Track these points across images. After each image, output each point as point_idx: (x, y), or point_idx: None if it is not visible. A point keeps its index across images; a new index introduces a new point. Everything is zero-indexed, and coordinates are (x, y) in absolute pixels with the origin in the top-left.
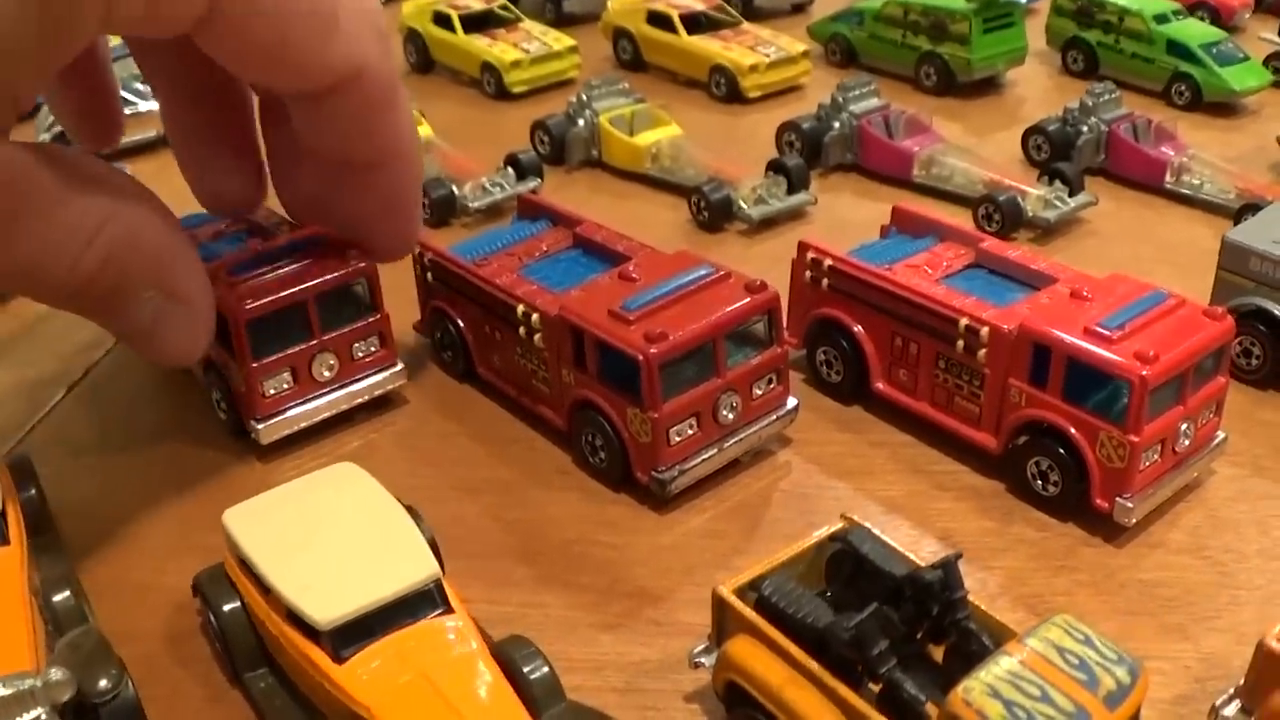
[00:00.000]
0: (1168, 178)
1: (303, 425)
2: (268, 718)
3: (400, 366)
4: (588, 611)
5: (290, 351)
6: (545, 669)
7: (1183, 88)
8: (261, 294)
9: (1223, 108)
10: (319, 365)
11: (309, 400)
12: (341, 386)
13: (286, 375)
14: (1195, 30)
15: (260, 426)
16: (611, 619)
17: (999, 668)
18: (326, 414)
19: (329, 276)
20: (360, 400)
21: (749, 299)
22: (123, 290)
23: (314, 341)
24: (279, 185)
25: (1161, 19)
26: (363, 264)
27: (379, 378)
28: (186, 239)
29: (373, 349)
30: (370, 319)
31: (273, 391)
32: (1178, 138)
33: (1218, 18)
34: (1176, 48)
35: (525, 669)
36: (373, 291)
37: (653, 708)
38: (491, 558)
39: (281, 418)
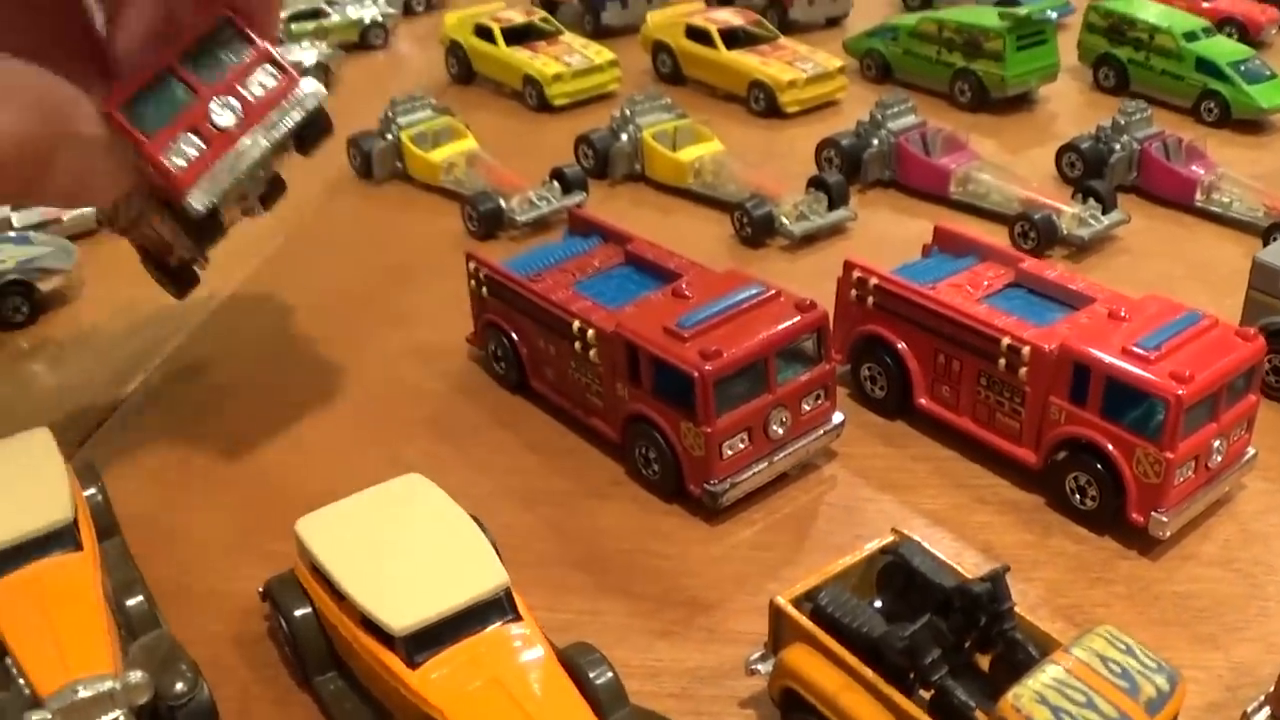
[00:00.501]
0: (1198, 196)
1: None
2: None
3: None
4: (643, 619)
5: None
6: (610, 674)
7: (1211, 105)
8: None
9: (1251, 124)
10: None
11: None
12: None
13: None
14: (1224, 48)
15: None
16: (666, 626)
17: (1046, 675)
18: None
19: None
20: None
21: (799, 317)
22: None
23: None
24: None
25: (1191, 36)
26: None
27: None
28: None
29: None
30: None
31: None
32: (1208, 156)
33: (1245, 33)
34: (1205, 65)
35: (591, 674)
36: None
37: (709, 713)
38: (549, 566)
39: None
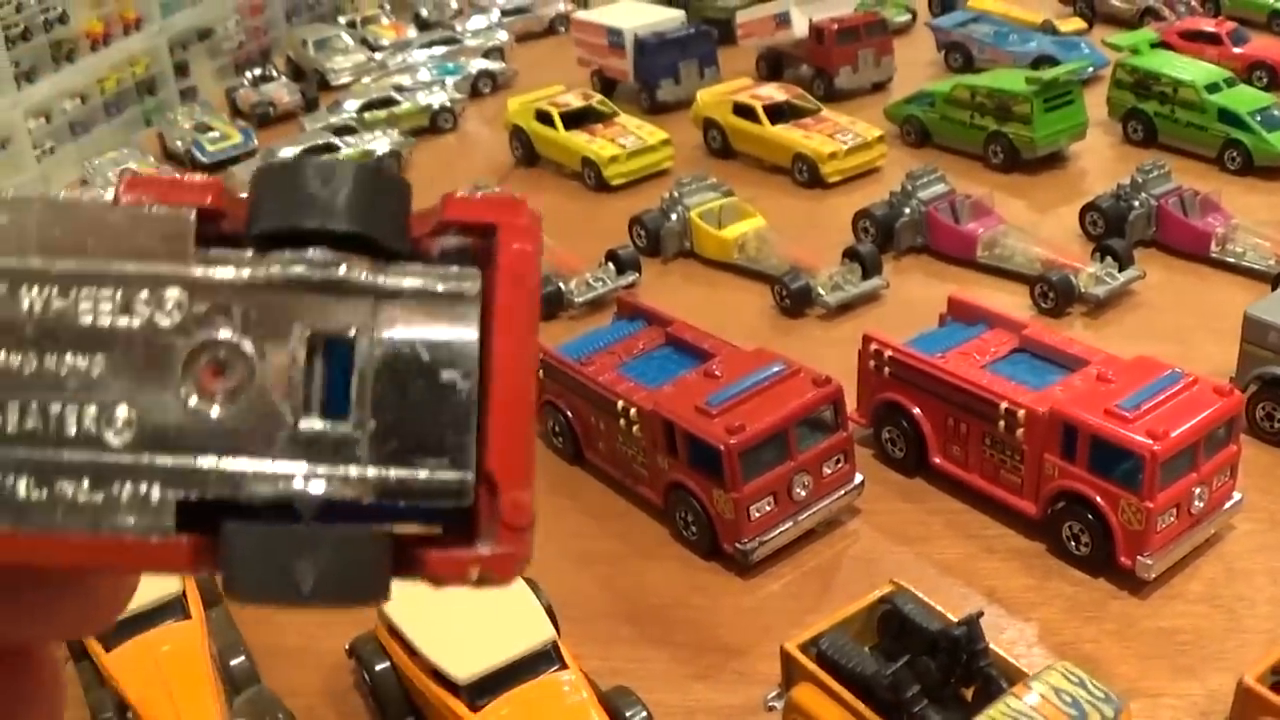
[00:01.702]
0: (1213, 247)
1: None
2: None
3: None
4: (682, 664)
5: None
6: (644, 714)
7: (1234, 154)
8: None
9: (1274, 171)
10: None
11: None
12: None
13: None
14: (1245, 97)
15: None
16: (702, 670)
17: (1006, 706)
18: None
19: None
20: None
21: (815, 392)
22: None
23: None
24: None
25: (1213, 88)
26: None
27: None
28: None
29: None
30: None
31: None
32: (1222, 208)
33: (1275, 76)
34: (1227, 116)
35: (628, 714)
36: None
37: None
38: (601, 619)
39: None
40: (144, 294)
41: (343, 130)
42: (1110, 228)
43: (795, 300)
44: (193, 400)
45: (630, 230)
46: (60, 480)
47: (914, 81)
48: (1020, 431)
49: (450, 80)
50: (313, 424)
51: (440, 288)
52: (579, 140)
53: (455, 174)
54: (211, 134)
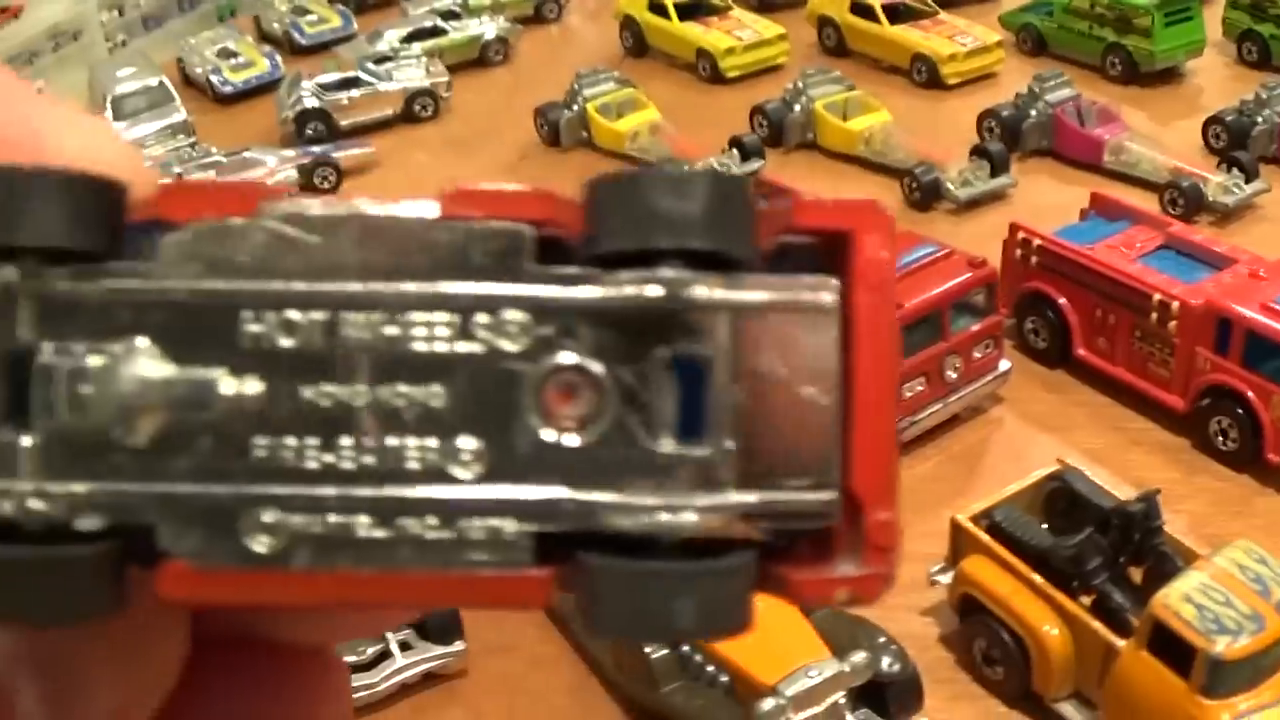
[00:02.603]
0: None
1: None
2: None
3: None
4: None
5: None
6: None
7: None
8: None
9: None
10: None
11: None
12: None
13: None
14: None
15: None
16: None
17: (1191, 580)
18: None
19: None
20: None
21: (971, 273)
22: None
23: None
24: None
25: None
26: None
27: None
28: None
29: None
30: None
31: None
32: None
33: None
34: None
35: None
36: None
37: (896, 619)
38: None
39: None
40: (483, 318)
41: (447, 15)
42: (1233, 142)
43: (925, 193)
44: (543, 429)
45: (751, 120)
46: (403, 518)
47: None
48: (1173, 324)
49: None
50: (671, 449)
51: (796, 300)
52: (694, 31)
53: (562, 62)
54: (309, 16)
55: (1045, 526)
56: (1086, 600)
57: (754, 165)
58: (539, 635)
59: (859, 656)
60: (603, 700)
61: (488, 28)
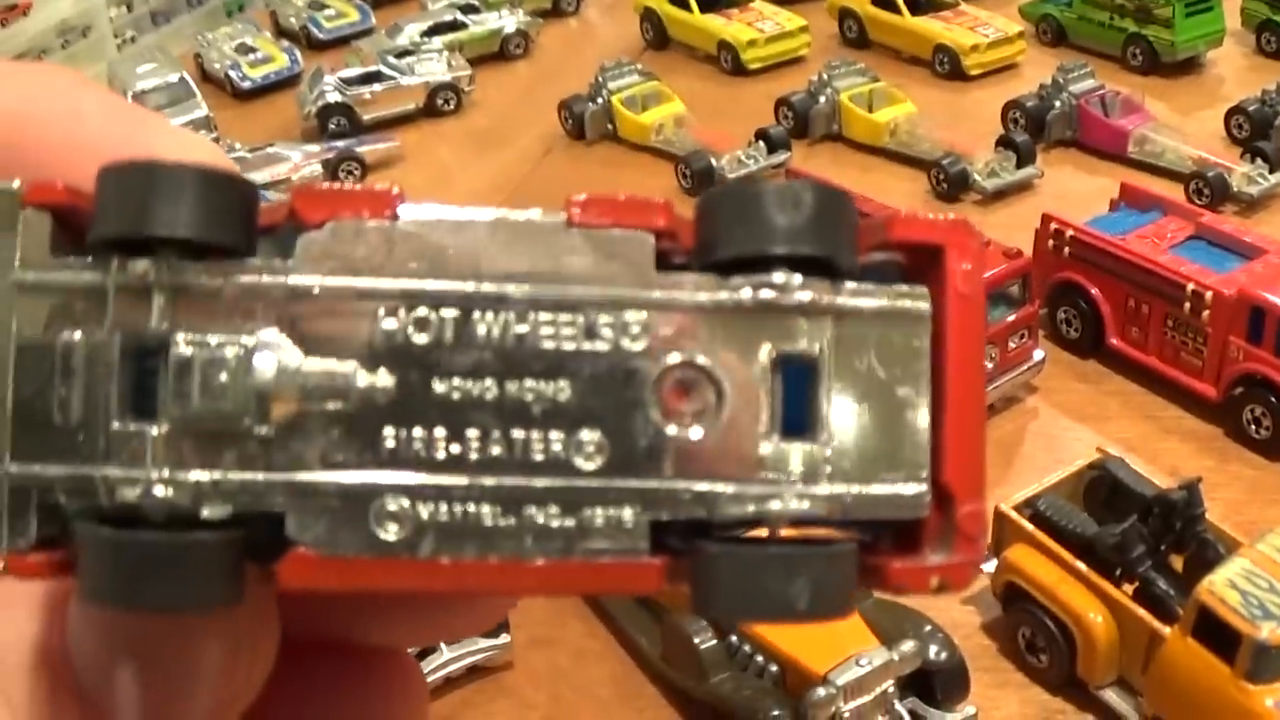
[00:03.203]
0: None
1: None
2: None
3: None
4: None
5: None
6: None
7: None
8: None
9: None
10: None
11: None
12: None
13: None
14: None
15: None
16: None
17: (1235, 566)
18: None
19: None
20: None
21: (1007, 264)
22: None
23: None
24: None
25: None
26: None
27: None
28: None
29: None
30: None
31: None
32: None
33: None
34: None
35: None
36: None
37: (936, 607)
38: None
39: None
40: (607, 318)
41: (466, 8)
42: (1256, 132)
43: (952, 184)
44: (661, 423)
45: (776, 111)
46: (528, 507)
47: None
48: (1206, 313)
49: None
50: (780, 443)
51: (895, 307)
52: (715, 23)
53: (583, 55)
54: (327, 11)
55: (1086, 514)
56: (1129, 588)
57: (780, 157)
58: (584, 628)
59: (908, 645)
60: (648, 692)
61: (507, 21)
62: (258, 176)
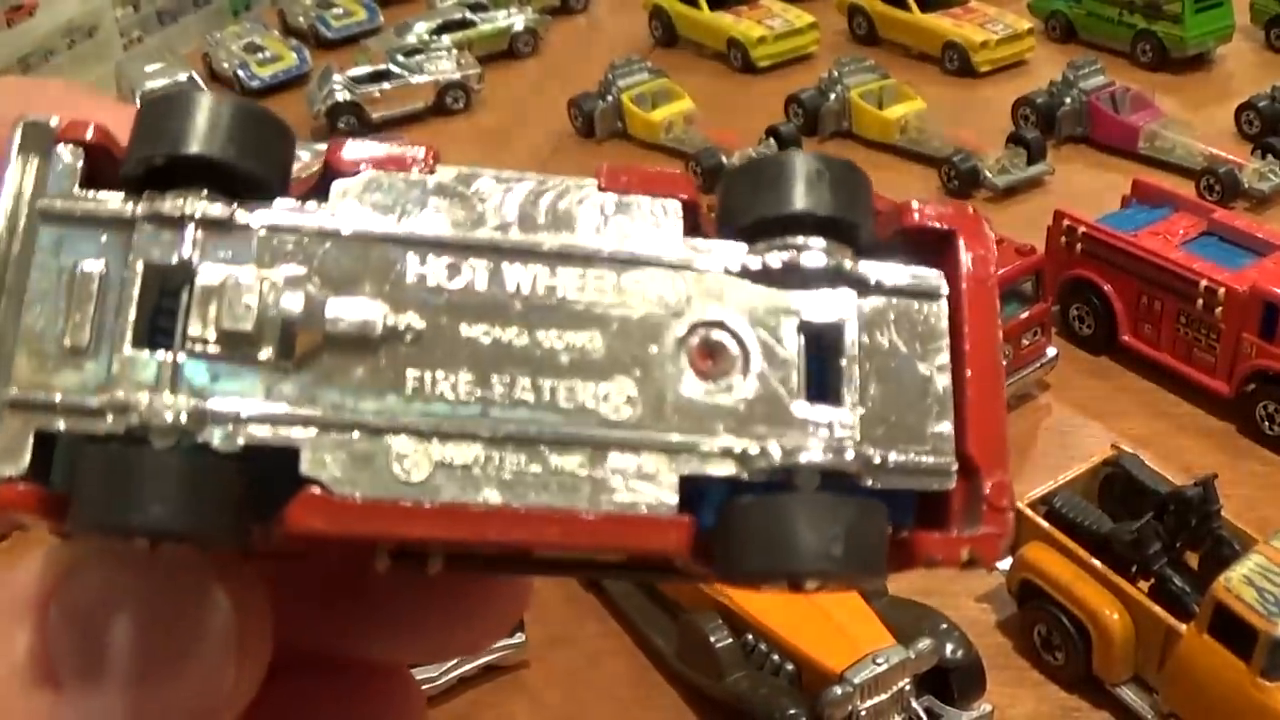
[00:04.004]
0: None
1: None
2: None
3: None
4: None
5: None
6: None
7: None
8: None
9: None
10: None
11: None
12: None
13: None
14: None
15: None
16: None
17: (1251, 562)
18: None
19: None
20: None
21: (1020, 261)
22: None
23: None
24: None
25: None
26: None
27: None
28: None
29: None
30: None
31: None
32: None
33: None
34: None
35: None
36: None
37: (952, 605)
38: None
39: None
40: (637, 275)
41: (475, 6)
42: (1266, 127)
43: (964, 181)
44: (689, 379)
45: (787, 109)
46: (555, 456)
47: None
48: (1219, 310)
49: None
50: (806, 407)
51: (916, 284)
52: (725, 21)
53: (591, 53)
54: (335, 10)
55: (1104, 510)
56: (1145, 585)
57: None
58: (600, 627)
59: (924, 643)
60: (664, 691)
61: (516, 19)
62: None
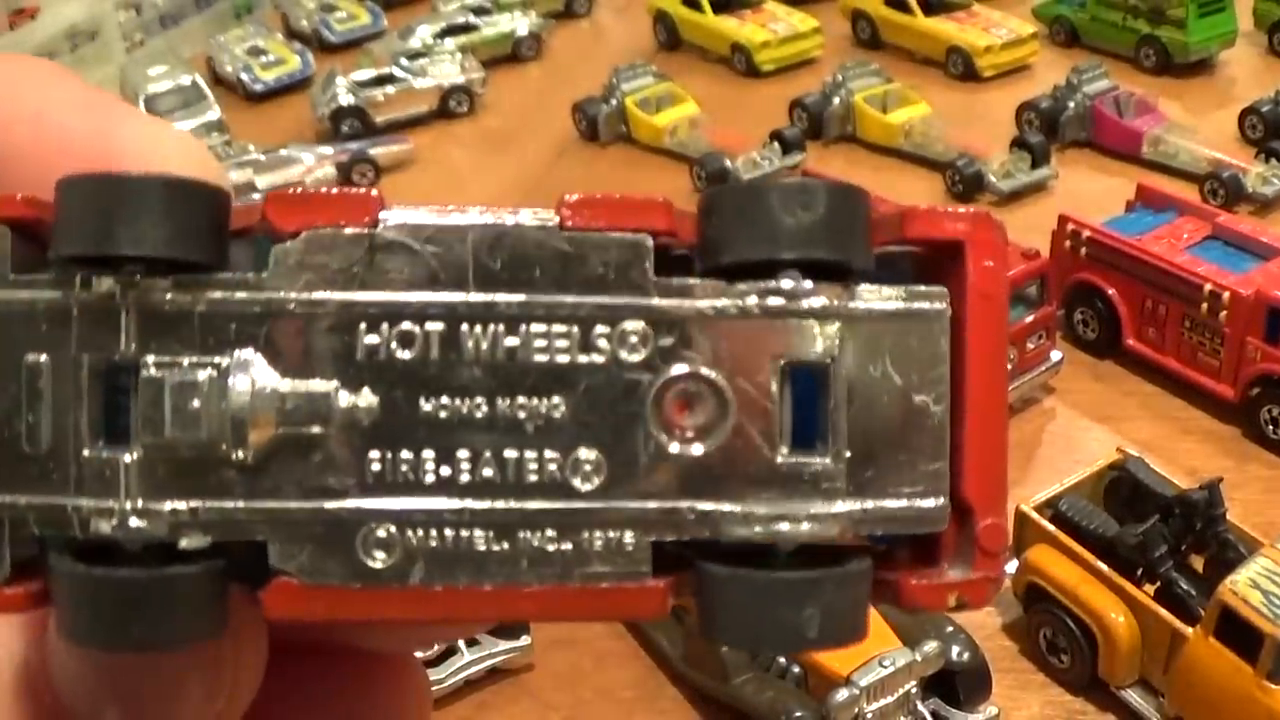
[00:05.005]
0: None
1: None
2: None
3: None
4: None
5: None
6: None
7: None
8: None
9: None
10: None
11: None
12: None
13: None
14: None
15: None
16: None
17: (1257, 566)
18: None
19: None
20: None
21: (1025, 265)
22: None
23: None
24: None
25: None
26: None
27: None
28: None
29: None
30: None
31: None
32: None
33: None
34: None
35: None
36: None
37: None
38: None
39: None
40: (603, 328)
41: (478, 10)
42: (1270, 132)
43: (968, 185)
44: (663, 439)
45: (791, 112)
46: (523, 531)
47: None
48: (1223, 314)
49: None
50: (788, 458)
51: (911, 309)
52: (728, 25)
53: (593, 58)
54: (339, 13)
55: (1110, 513)
56: (1151, 588)
57: (795, 158)
58: (605, 630)
59: (930, 646)
60: (670, 694)
61: (520, 23)
62: (271, 179)
